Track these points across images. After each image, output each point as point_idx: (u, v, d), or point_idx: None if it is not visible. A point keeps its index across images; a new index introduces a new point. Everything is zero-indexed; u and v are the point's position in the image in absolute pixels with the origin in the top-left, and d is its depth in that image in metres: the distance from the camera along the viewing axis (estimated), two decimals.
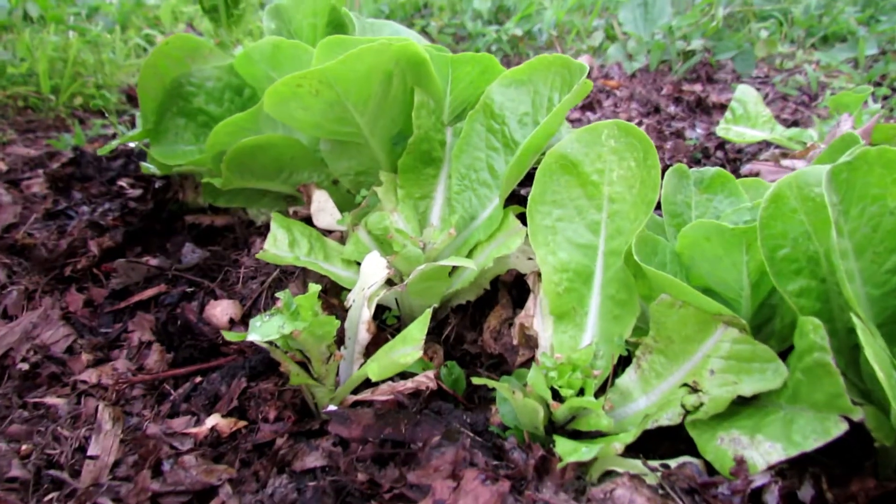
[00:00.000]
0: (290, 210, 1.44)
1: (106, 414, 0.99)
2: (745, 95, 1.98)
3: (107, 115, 2.53)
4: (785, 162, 1.75)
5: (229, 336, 0.94)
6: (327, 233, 1.31)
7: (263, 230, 1.48)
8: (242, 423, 0.99)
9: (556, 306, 1.00)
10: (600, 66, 3.00)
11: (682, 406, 0.86)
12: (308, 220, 1.33)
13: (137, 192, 1.77)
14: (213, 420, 0.99)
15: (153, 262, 1.36)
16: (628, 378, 0.93)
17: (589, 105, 2.46)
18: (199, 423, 1.00)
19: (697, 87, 2.69)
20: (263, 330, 0.90)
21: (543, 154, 1.30)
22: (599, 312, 0.99)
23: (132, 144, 1.89)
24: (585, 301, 1.00)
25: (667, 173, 1.11)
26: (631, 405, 0.92)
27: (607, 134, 1.01)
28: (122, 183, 1.85)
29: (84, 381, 1.07)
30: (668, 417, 0.86)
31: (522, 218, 1.16)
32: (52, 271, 1.33)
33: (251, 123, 1.28)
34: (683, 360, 0.89)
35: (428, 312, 0.90)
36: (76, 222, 1.55)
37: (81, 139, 2.20)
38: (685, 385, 0.87)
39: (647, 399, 0.91)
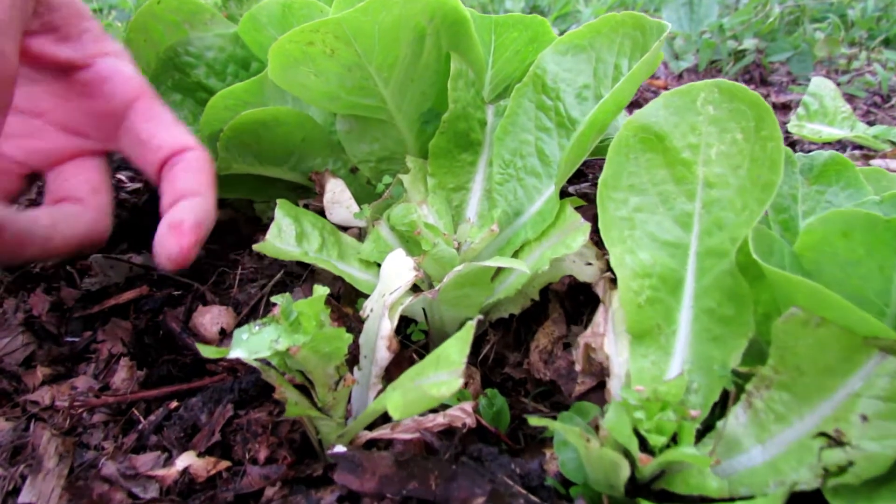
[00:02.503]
0: (301, 203, 1.21)
1: (51, 447, 0.76)
2: (821, 89, 1.72)
3: None
4: (875, 162, 1.50)
5: (206, 352, 0.71)
6: (343, 229, 1.08)
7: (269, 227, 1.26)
8: (224, 465, 0.76)
9: (636, 322, 0.76)
10: None
11: (821, 465, 0.61)
12: (321, 214, 1.10)
13: (136, 185, 1.56)
14: (187, 459, 0.75)
15: (137, 259, 1.13)
16: (736, 421, 0.69)
17: (636, 103, 2.22)
18: (169, 462, 0.76)
19: (752, 88, 2.44)
20: (251, 344, 0.67)
21: (603, 141, 1.07)
22: (692, 331, 0.74)
23: None
24: (673, 316, 0.75)
25: None
26: (740, 458, 0.67)
27: (705, 98, 0.76)
28: (122, 176, 1.65)
29: (35, 402, 0.85)
30: (798, 480, 0.62)
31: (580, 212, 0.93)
32: (20, 268, 1.11)
33: (255, 96, 1.06)
34: (819, 400, 0.64)
35: (470, 327, 0.66)
36: None
37: None
38: (822, 434, 0.63)
39: (764, 451, 0.66)
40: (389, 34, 0.88)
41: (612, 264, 0.77)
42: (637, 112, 0.79)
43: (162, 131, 0.84)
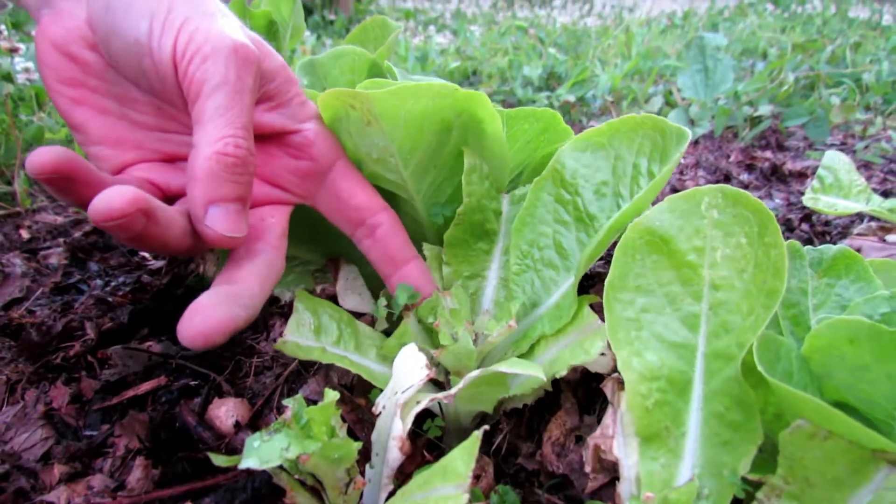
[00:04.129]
0: (318, 288, 1.24)
1: None
2: (836, 163, 1.73)
3: None
4: (891, 237, 1.50)
5: (218, 460, 0.72)
6: (357, 315, 1.09)
7: (287, 310, 1.27)
8: None
9: (644, 425, 0.76)
10: None
11: None
12: (335, 299, 1.12)
13: (159, 264, 1.59)
14: None
15: (156, 348, 1.15)
16: None
17: None
18: None
19: (769, 154, 2.45)
20: (263, 453, 0.68)
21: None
22: (702, 435, 0.74)
23: None
24: (682, 419, 0.75)
25: None
26: None
27: (709, 203, 0.78)
28: (145, 253, 1.68)
29: (51, 503, 0.86)
30: None
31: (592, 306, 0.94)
32: (42, 358, 1.13)
33: None
34: None
35: (475, 438, 0.67)
36: (84, 298, 1.37)
37: None
38: None
39: None
40: (416, 121, 0.93)
41: (620, 367, 0.77)
42: (642, 215, 0.81)
43: (359, 192, 0.96)
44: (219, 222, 0.73)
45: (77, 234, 1.81)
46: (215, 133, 0.71)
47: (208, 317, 0.67)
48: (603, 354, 0.97)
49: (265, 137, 0.90)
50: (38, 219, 2.02)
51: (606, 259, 1.45)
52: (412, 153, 0.97)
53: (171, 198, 0.87)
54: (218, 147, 0.71)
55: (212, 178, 0.71)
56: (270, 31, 1.49)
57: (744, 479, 0.70)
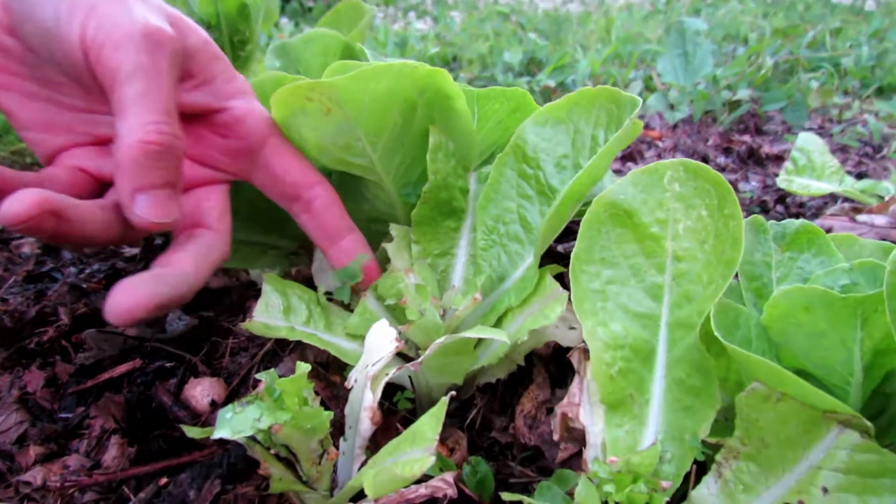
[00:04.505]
0: (294, 270, 1.26)
1: None
2: (809, 144, 1.77)
3: None
4: (861, 217, 1.54)
5: (192, 432, 0.74)
6: (332, 296, 1.12)
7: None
8: None
9: (609, 393, 0.79)
10: (640, 116, 2.83)
11: None
12: (310, 282, 1.14)
13: (134, 251, 1.60)
14: None
15: (131, 331, 1.17)
16: (707, 491, 0.71)
17: (629, 156, 2.27)
18: None
19: (747, 138, 2.49)
20: (235, 424, 0.70)
21: (586, 205, 1.11)
22: (665, 401, 0.77)
23: None
24: (646, 386, 0.78)
25: None
26: None
27: (671, 176, 0.81)
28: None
29: (27, 483, 0.88)
30: None
31: (561, 279, 0.96)
32: (16, 343, 1.15)
33: None
34: (783, 471, 0.67)
35: (443, 403, 0.70)
36: (58, 286, 1.39)
37: None
38: None
39: None
40: (380, 103, 0.93)
41: (585, 337, 0.80)
42: (606, 189, 0.84)
43: (294, 167, 0.95)
44: (147, 210, 0.72)
45: None
46: (136, 121, 0.70)
47: (133, 294, 0.69)
48: (573, 328, 1.00)
49: (192, 117, 0.88)
50: None
51: None
52: (379, 135, 0.99)
53: (107, 184, 0.88)
54: (140, 135, 0.70)
55: (137, 166, 0.71)
56: (242, 14, 1.50)
57: (703, 443, 0.73)
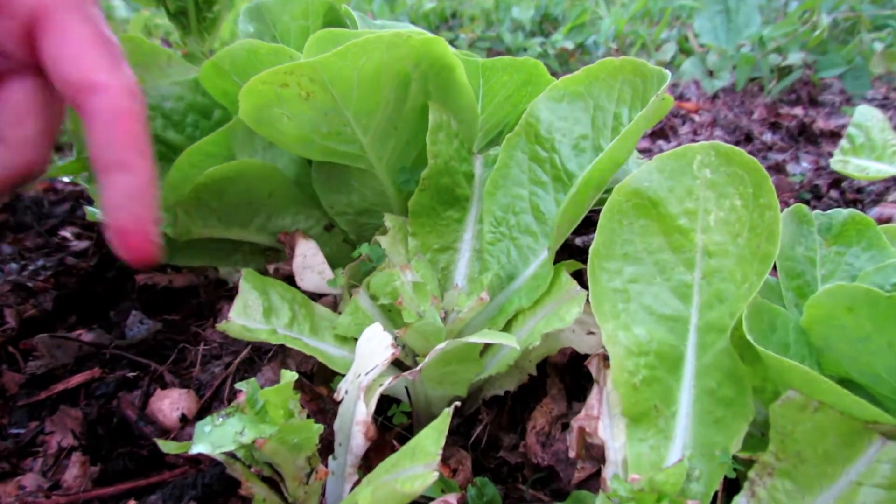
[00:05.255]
0: (271, 267, 1.31)
1: None
2: (868, 119, 1.83)
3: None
4: None
5: (166, 447, 0.80)
6: (317, 297, 1.17)
7: (235, 292, 1.35)
8: None
9: (632, 404, 0.85)
10: (673, 84, 2.88)
11: None
12: (291, 279, 1.20)
13: (83, 244, 1.66)
14: None
15: (88, 337, 1.23)
16: None
17: (661, 132, 2.33)
18: None
19: (798, 111, 2.55)
20: (214, 438, 0.76)
21: (607, 192, 1.17)
22: (693, 413, 0.83)
23: (69, 181, 1.78)
24: (672, 397, 0.84)
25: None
26: None
27: (701, 161, 0.86)
28: (66, 233, 1.75)
29: None
30: None
31: (579, 277, 1.02)
32: None
33: (221, 148, 1.15)
34: (820, 489, 0.73)
35: (446, 415, 0.76)
36: None
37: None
38: None
39: None
40: (370, 80, 0.97)
41: (605, 342, 0.86)
42: (630, 176, 0.89)
43: (83, 55, 0.81)
44: None
45: None
46: None
47: None
48: (591, 333, 1.06)
49: None
50: None
51: None
52: (370, 116, 1.04)
53: None
54: None
55: None
56: None
57: (735, 459, 0.79)
